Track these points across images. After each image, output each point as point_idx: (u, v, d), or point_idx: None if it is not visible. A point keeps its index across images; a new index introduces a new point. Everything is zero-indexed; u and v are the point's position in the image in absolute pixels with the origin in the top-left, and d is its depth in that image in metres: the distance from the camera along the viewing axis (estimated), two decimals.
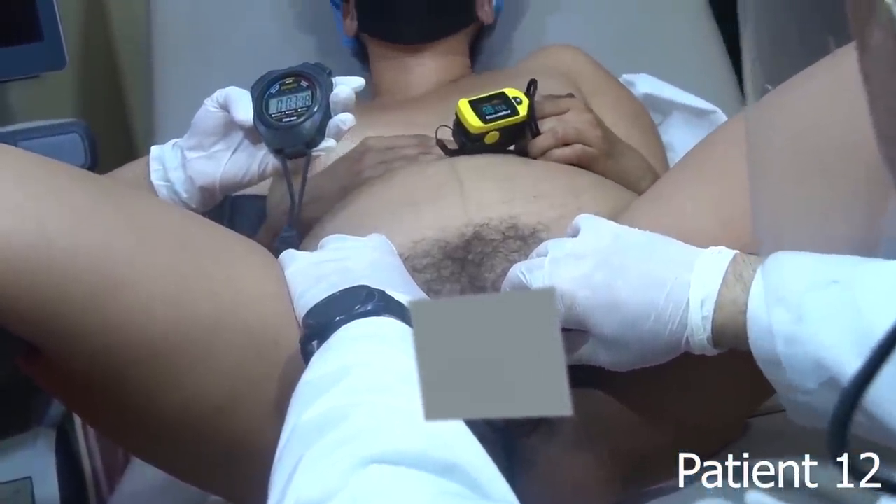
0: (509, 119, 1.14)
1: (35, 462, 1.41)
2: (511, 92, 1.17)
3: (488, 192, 1.03)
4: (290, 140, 1.04)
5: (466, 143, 1.14)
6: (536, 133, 1.16)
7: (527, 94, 1.17)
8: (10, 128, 1.58)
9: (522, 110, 1.15)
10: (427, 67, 1.49)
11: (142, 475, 1.17)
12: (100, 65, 1.97)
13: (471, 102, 1.14)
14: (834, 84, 0.71)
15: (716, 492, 0.93)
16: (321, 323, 0.78)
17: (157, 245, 0.85)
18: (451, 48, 1.51)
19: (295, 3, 1.73)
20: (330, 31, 1.65)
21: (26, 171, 0.82)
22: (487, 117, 1.13)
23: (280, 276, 0.90)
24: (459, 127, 1.14)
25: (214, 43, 1.70)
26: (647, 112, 1.51)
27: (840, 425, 0.43)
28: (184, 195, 1.08)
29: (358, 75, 1.08)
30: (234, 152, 1.07)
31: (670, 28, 1.70)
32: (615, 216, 0.94)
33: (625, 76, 1.59)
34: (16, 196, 0.79)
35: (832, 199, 0.84)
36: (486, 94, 1.16)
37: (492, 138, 1.14)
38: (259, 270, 0.92)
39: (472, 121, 1.13)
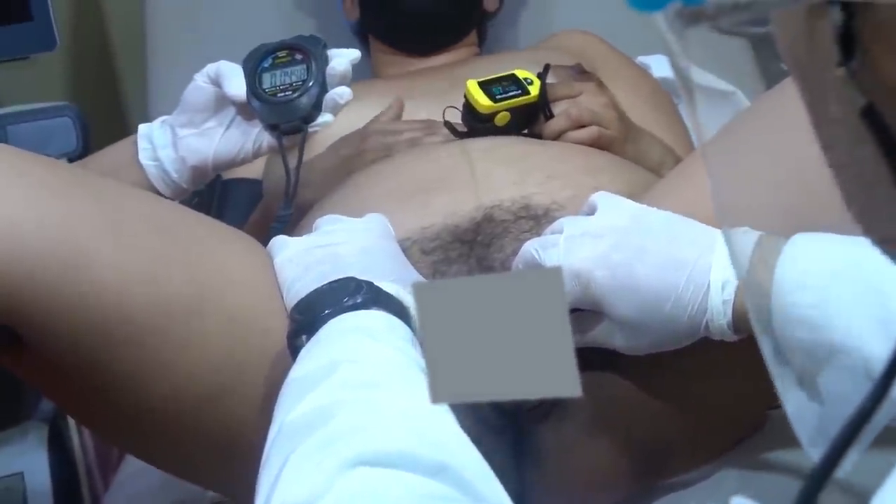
0: (520, 99, 1.14)
1: (27, 457, 1.42)
2: (521, 73, 1.17)
3: (500, 174, 1.03)
4: (285, 115, 1.04)
5: (476, 124, 1.14)
6: (550, 116, 1.16)
7: (539, 76, 1.17)
8: None
9: (533, 90, 1.15)
10: (432, 65, 1.50)
11: (137, 471, 1.18)
12: (92, 46, 1.97)
13: (480, 83, 1.14)
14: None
15: (733, 486, 0.93)
16: (309, 317, 0.78)
17: (130, 226, 0.86)
18: (457, 45, 1.52)
19: None
20: (329, 8, 1.65)
21: None
22: (497, 97, 1.13)
23: (267, 264, 0.91)
24: (468, 108, 1.14)
25: (209, 23, 1.71)
26: (665, 91, 1.51)
27: None
28: (174, 175, 1.07)
29: (358, 55, 1.09)
30: (226, 129, 1.07)
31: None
32: (634, 197, 0.95)
33: (640, 58, 1.60)
34: None
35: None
36: (496, 76, 1.16)
37: (502, 119, 1.14)
38: (244, 257, 0.92)
39: (482, 100, 1.13)
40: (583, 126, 1.15)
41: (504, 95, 1.14)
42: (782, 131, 0.86)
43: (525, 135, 1.17)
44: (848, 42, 0.39)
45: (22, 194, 0.82)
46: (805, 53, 0.42)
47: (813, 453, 0.69)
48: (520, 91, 1.15)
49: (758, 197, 0.86)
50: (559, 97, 1.18)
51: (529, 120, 1.17)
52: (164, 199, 1.00)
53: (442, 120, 1.17)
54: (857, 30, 0.39)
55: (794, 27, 0.42)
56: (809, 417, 0.74)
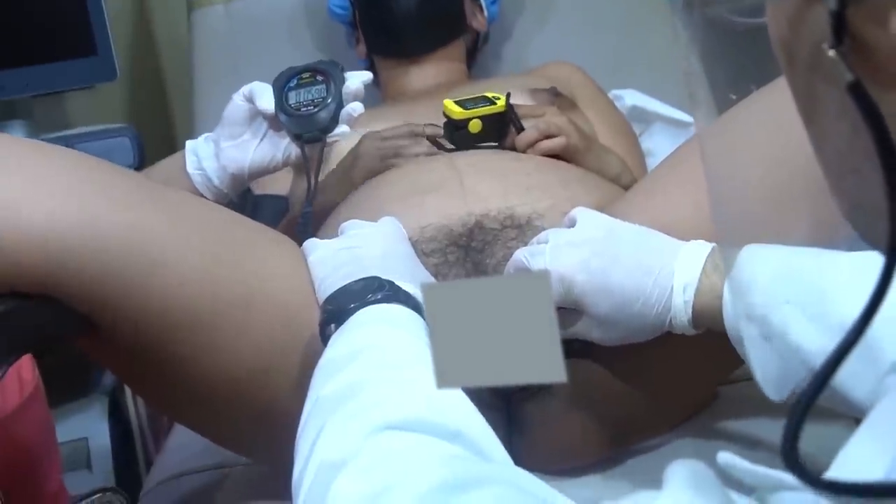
0: (488, 108, 1.15)
1: (91, 424, 1.42)
2: (490, 94, 1.18)
3: (485, 185, 1.03)
4: (307, 127, 1.06)
5: (454, 132, 1.15)
6: (520, 129, 1.15)
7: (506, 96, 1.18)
8: (67, 132, 1.59)
9: (500, 103, 1.16)
10: (426, 73, 1.48)
11: (184, 438, 1.16)
12: (146, 77, 1.97)
13: (455, 101, 1.16)
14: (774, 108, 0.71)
15: (690, 450, 0.93)
16: (338, 309, 0.78)
17: (187, 230, 0.86)
18: (446, 55, 1.50)
19: (312, 26, 1.73)
20: (344, 49, 1.63)
21: (69, 163, 0.83)
22: (468, 108, 1.15)
23: (301, 261, 0.90)
24: (447, 120, 1.16)
25: (245, 58, 1.70)
26: (629, 124, 1.50)
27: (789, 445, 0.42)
28: (216, 181, 1.08)
29: (369, 86, 1.09)
30: (260, 141, 1.08)
31: (655, 47, 1.68)
32: (601, 206, 0.94)
33: (614, 91, 1.59)
34: (60, 182, 0.80)
35: (781, 211, 0.84)
36: (468, 96, 1.18)
37: (475, 126, 1.14)
38: (282, 256, 0.92)
39: (455, 109, 1.15)
40: (550, 137, 1.14)
41: (475, 107, 1.15)
42: (767, 126, 0.85)
43: (500, 147, 1.16)
44: (839, 26, 0.37)
45: (96, 197, 0.81)
46: (796, 34, 0.41)
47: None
48: (488, 104, 1.16)
49: (748, 184, 0.85)
50: (526, 116, 1.17)
51: (500, 130, 1.17)
52: (215, 206, 0.99)
53: (424, 132, 1.18)
54: (850, 16, 0.37)
55: (787, 9, 0.41)
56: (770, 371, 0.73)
